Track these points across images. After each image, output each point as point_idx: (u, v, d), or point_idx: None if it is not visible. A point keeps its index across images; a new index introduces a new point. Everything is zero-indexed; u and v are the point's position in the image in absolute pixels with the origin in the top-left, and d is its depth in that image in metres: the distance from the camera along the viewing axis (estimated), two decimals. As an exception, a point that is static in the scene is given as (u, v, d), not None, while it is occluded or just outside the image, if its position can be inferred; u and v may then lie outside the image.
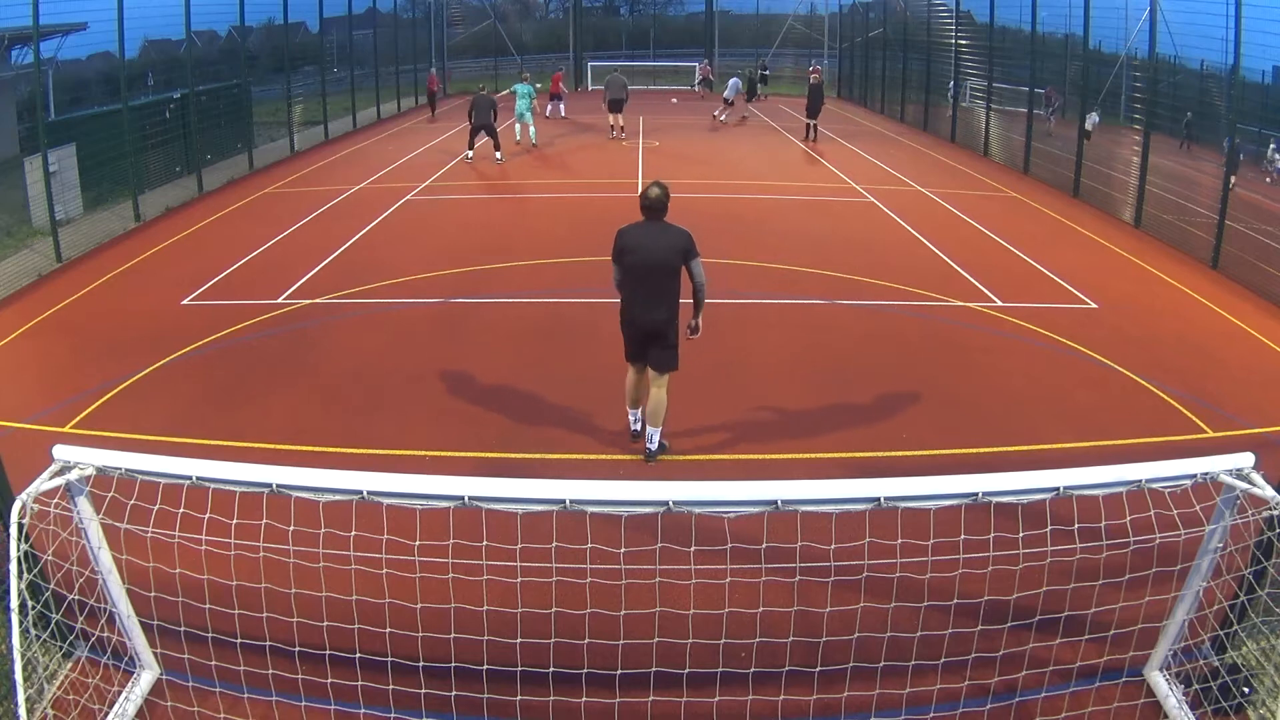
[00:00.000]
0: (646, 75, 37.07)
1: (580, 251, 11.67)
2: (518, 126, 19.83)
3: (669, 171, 17.72)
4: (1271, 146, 15.76)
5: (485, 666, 3.90)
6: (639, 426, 6.43)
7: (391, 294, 10.04)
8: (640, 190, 5.89)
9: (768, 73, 33.99)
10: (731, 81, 25.44)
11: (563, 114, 25.41)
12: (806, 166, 18.61)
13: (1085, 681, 4.13)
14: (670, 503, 3.20)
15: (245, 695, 3.97)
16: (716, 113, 24.90)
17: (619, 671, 3.86)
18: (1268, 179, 15.64)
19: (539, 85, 20.47)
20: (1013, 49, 20.79)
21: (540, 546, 3.82)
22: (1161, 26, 14.71)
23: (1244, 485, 3.45)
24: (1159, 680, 4.11)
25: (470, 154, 18.65)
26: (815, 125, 21.79)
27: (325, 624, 4.13)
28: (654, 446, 6.20)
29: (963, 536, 4.14)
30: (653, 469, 6.24)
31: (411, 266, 10.91)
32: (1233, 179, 14.32)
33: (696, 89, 34.05)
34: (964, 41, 22.22)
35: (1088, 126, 19.64)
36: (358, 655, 4.01)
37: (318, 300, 9.83)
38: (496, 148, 18.33)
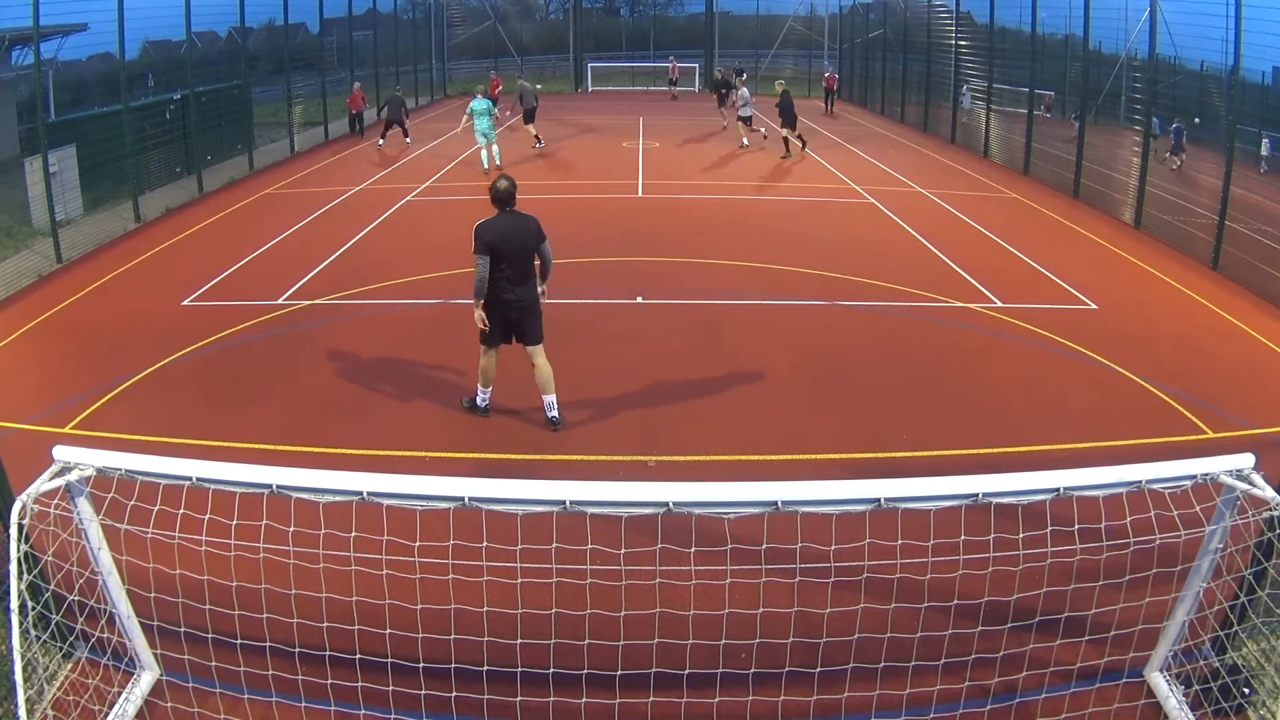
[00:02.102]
0: (646, 76, 37.11)
1: (580, 252, 11.66)
2: (483, 154, 17.07)
3: (669, 172, 17.72)
4: (1265, 143, 15.93)
5: (485, 667, 3.90)
6: (485, 404, 7.00)
7: (392, 295, 10.04)
8: (490, 185, 6.67)
9: (744, 75, 33.22)
10: (742, 93, 20.83)
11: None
12: (807, 168, 18.61)
13: (1085, 682, 4.12)
14: (670, 504, 3.20)
15: (245, 696, 3.96)
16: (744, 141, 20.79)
17: (619, 672, 3.86)
18: (1263, 168, 15.81)
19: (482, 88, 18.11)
20: (1013, 50, 20.80)
21: (540, 547, 3.81)
22: (1161, 27, 14.72)
23: (1244, 486, 3.45)
24: (1159, 681, 4.10)
25: (382, 142, 20.66)
26: (797, 137, 19.65)
27: (325, 625, 4.13)
28: (556, 414, 6.78)
29: (963, 537, 4.14)
30: (653, 471, 6.24)
31: (412, 267, 10.91)
32: (1178, 159, 14.55)
33: (671, 90, 33.40)
34: (964, 42, 22.23)
35: (965, 106, 20.36)
36: (358, 656, 4.01)
37: (318, 301, 9.83)
38: (406, 134, 20.86)
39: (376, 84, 26.99)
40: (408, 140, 20.92)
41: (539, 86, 21.44)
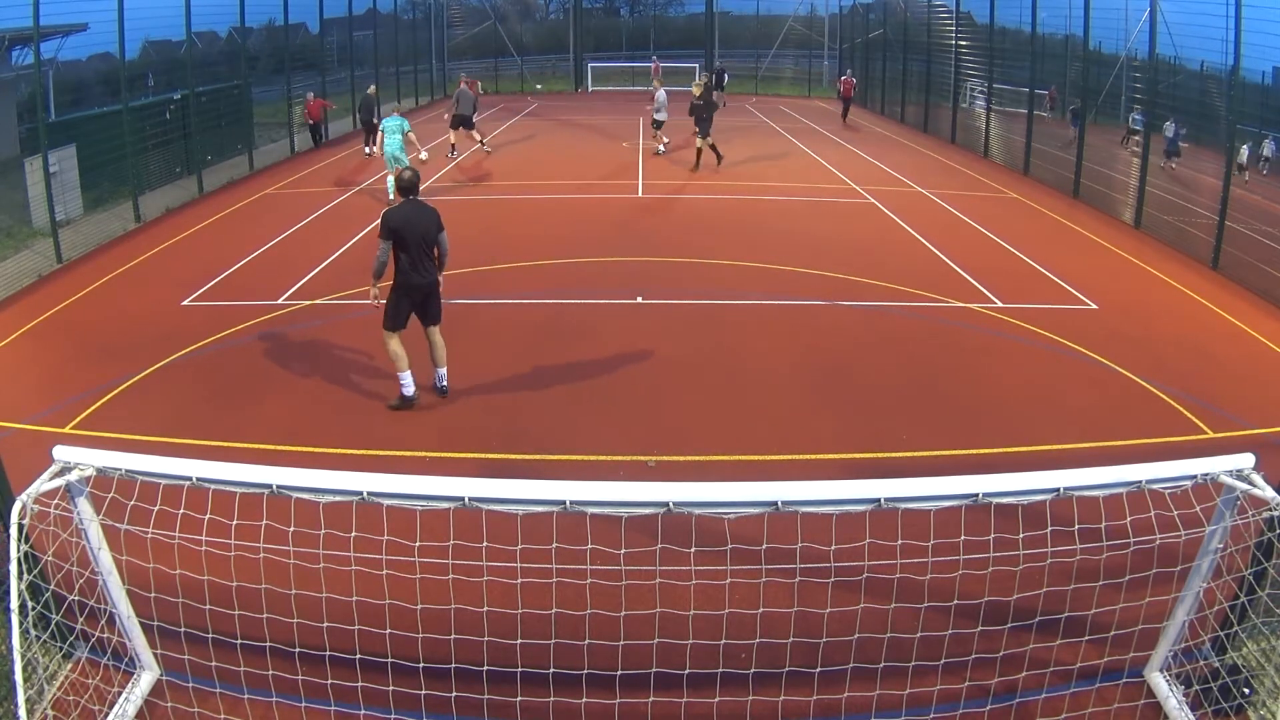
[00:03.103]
0: (647, 76, 37.06)
1: (580, 252, 11.68)
2: (390, 180, 12.96)
3: (669, 172, 17.72)
4: (1258, 144, 16.03)
5: (485, 667, 3.90)
6: (413, 393, 7.15)
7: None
8: (396, 175, 7.20)
9: (725, 76, 31.93)
10: (658, 96, 19.19)
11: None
12: (807, 168, 18.62)
13: (1085, 682, 4.13)
14: (670, 504, 3.20)
15: (245, 696, 3.96)
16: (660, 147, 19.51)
17: (619, 672, 3.86)
18: (1251, 172, 15.90)
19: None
20: (1013, 50, 20.80)
21: (540, 547, 3.81)
22: (1161, 27, 14.72)
23: (1244, 486, 3.45)
24: (1159, 681, 4.10)
25: (369, 150, 18.87)
26: (710, 147, 17.48)
27: (325, 625, 4.13)
28: (445, 384, 7.36)
29: (963, 537, 4.14)
30: (653, 471, 6.24)
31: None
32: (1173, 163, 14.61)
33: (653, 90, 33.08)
34: (964, 43, 22.23)
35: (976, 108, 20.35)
36: (358, 656, 4.01)
37: (318, 301, 9.83)
38: (370, 142, 18.78)
39: (377, 85, 26.94)
40: (368, 151, 18.69)
41: (482, 91, 19.98)
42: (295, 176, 17.54)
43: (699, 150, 17.59)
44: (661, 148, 19.49)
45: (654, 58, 34.23)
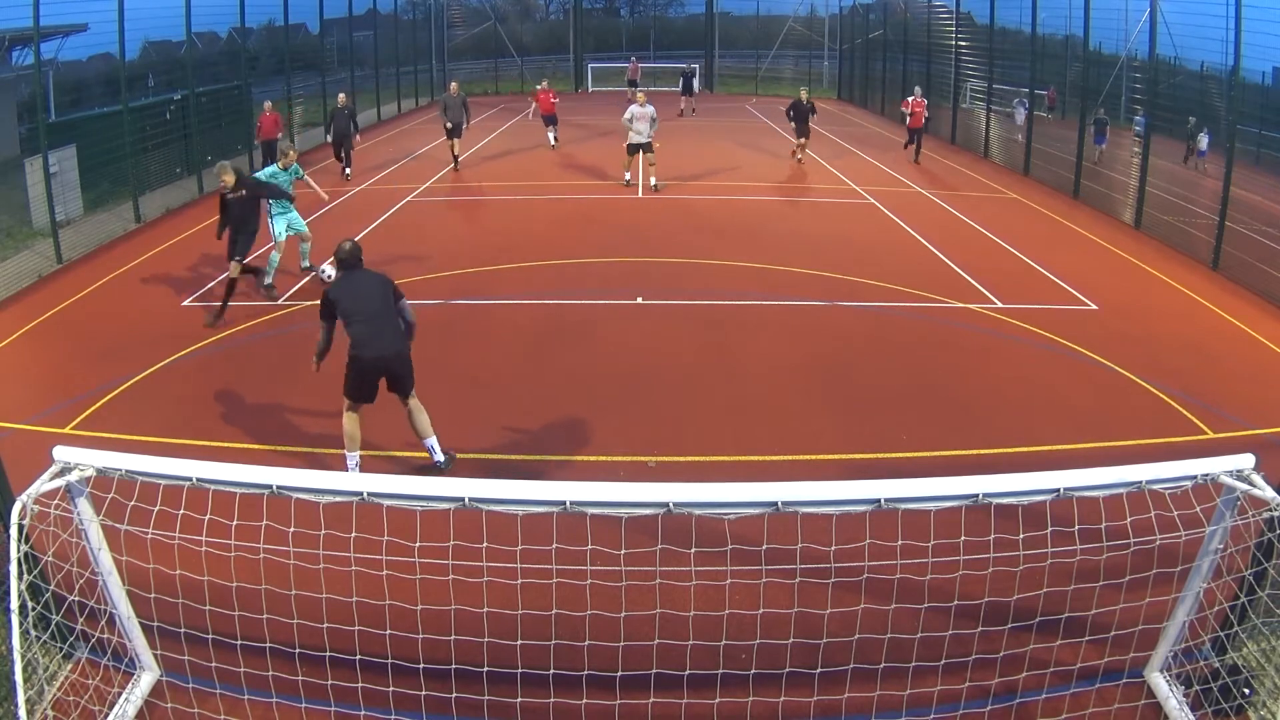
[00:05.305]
0: (647, 76, 37.05)
1: (580, 253, 11.68)
2: (272, 257, 10.23)
3: (669, 173, 17.71)
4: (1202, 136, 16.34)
5: (485, 668, 3.90)
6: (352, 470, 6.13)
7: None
8: (336, 248, 6.27)
9: (695, 79, 30.57)
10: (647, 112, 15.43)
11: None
12: (807, 168, 18.61)
13: (1085, 683, 4.13)
14: (670, 504, 3.20)
15: (245, 697, 3.96)
16: None
17: (619, 673, 3.86)
18: (1189, 162, 16.32)
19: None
20: (1013, 50, 20.79)
21: (540, 548, 3.81)
22: (1161, 28, 14.72)
23: (1244, 486, 3.45)
24: (1159, 681, 4.10)
25: (349, 172, 16.69)
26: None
27: (325, 625, 4.12)
28: (442, 456, 6.26)
29: (963, 538, 4.14)
30: (653, 471, 6.23)
31: (411, 268, 10.90)
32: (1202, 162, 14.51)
33: (630, 91, 31.74)
34: (964, 43, 22.23)
35: (1018, 120, 19.36)
36: (358, 657, 4.01)
37: (318, 301, 9.80)
38: (347, 165, 16.65)
39: (377, 86, 26.95)
40: (347, 173, 16.64)
41: (464, 95, 17.40)
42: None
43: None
44: (654, 181, 15.64)
45: (632, 58, 33.84)
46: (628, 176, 15.72)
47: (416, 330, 6.26)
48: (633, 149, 15.50)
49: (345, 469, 6.09)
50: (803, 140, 18.43)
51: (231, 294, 9.24)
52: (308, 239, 10.72)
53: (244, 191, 9.32)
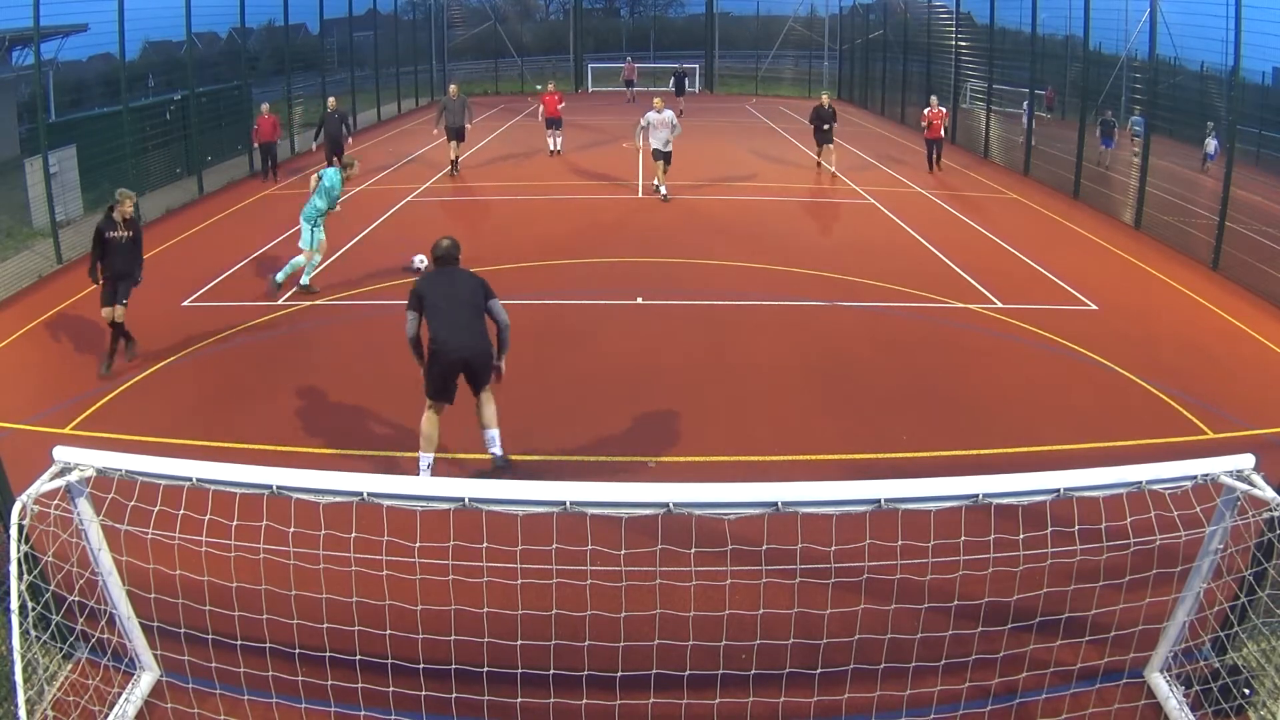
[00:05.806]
0: (647, 77, 37.07)
1: (580, 253, 11.67)
2: (293, 263, 10.12)
3: (669, 173, 17.71)
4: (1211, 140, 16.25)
5: (485, 668, 3.90)
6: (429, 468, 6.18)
7: (392, 295, 10.02)
8: (434, 244, 6.28)
9: (686, 81, 30.65)
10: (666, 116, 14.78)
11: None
12: (807, 168, 18.61)
13: (1086, 683, 4.12)
14: (670, 504, 3.20)
15: (245, 697, 3.96)
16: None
17: (619, 673, 3.86)
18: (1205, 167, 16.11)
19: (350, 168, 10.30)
20: (1013, 50, 20.79)
21: (540, 548, 3.81)
22: (1161, 28, 14.73)
23: (1244, 486, 3.45)
24: (1159, 682, 4.10)
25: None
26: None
27: (325, 626, 4.12)
28: (498, 450, 6.26)
29: (963, 538, 4.14)
30: (653, 472, 6.23)
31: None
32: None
33: (626, 93, 32.25)
34: (964, 43, 22.22)
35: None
36: (358, 657, 4.00)
37: (318, 302, 9.83)
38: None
39: (377, 86, 26.94)
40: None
41: (466, 97, 17.12)
42: (295, 177, 17.53)
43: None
44: (663, 190, 15.01)
45: (628, 59, 33.73)
46: (657, 183, 14.99)
47: (510, 332, 6.15)
48: (657, 155, 14.80)
49: (416, 472, 6.10)
50: (830, 147, 17.23)
51: (119, 341, 8.10)
52: (321, 251, 10.33)
53: (130, 233, 8.16)
